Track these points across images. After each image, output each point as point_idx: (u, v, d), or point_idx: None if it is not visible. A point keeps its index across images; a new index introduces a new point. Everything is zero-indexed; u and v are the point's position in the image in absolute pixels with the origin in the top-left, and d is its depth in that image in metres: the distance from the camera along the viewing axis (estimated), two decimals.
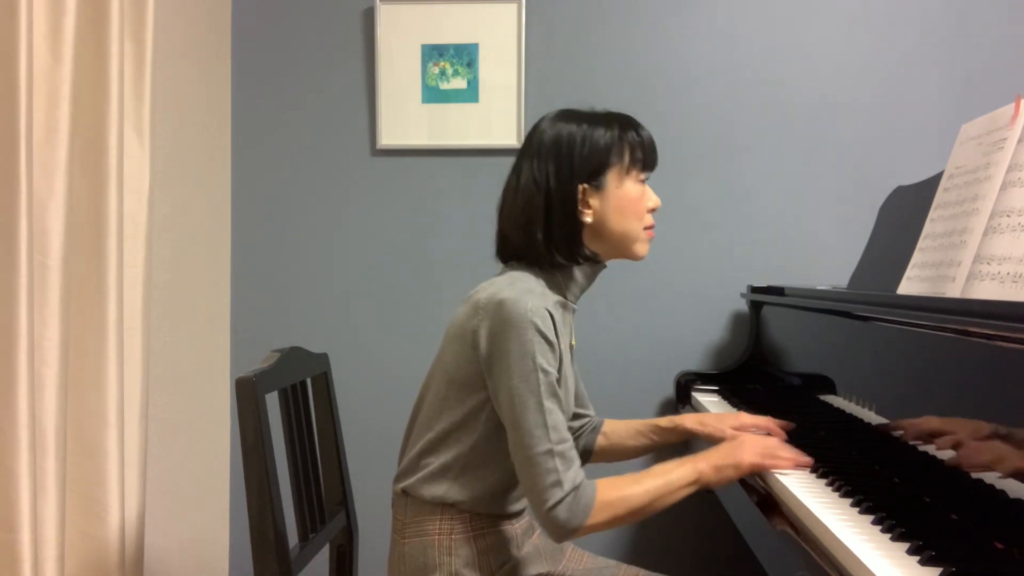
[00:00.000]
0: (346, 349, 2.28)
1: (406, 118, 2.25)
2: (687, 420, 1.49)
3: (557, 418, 1.16)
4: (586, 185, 1.27)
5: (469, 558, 1.25)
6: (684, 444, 1.61)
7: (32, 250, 1.39)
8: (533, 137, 1.31)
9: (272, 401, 1.32)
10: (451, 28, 2.23)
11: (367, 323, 2.30)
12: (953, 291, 1.26)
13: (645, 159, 1.31)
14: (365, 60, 2.28)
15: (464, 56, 2.23)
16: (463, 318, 1.24)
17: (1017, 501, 0.93)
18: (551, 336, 1.18)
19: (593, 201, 1.27)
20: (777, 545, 1.09)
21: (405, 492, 1.29)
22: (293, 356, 1.45)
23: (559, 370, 1.21)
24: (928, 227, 1.45)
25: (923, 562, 0.88)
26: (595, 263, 1.33)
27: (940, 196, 1.46)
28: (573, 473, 1.15)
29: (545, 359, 1.17)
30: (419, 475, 1.27)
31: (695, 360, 2.24)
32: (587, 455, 1.54)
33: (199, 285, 2.15)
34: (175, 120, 2.03)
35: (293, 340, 2.27)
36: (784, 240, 2.22)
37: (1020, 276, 1.12)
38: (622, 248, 1.32)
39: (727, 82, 2.23)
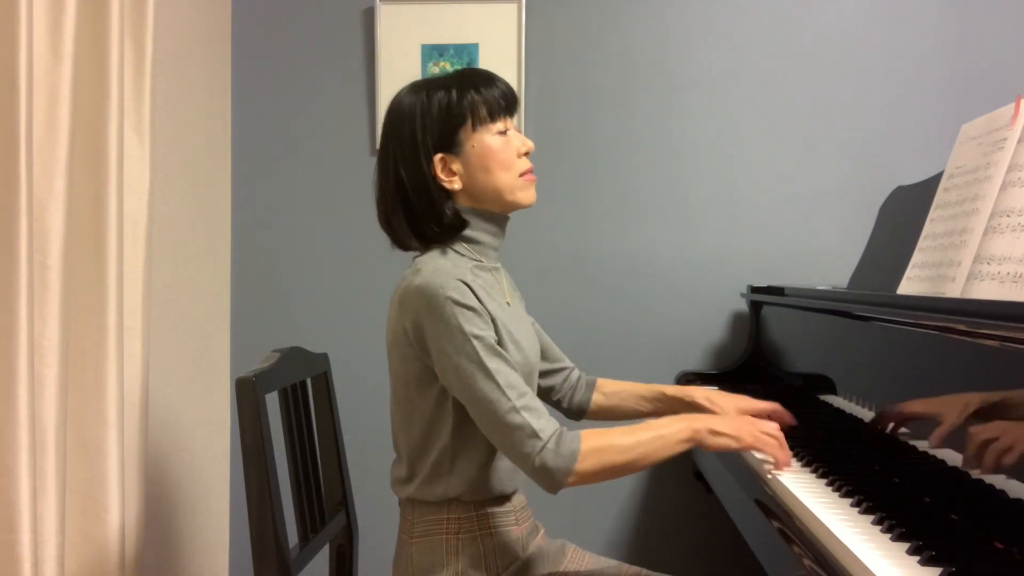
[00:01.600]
0: (346, 349, 2.28)
1: None
2: (696, 393, 1.45)
3: (509, 376, 1.15)
4: (442, 154, 1.25)
5: (475, 558, 1.25)
6: None
7: (32, 250, 1.39)
8: (385, 120, 1.30)
9: (272, 401, 1.32)
10: (451, 28, 2.23)
11: (367, 323, 2.30)
12: (953, 291, 1.26)
13: (492, 110, 1.26)
14: (365, 60, 2.28)
15: (464, 56, 2.23)
16: (392, 321, 1.25)
17: (1017, 501, 0.93)
18: (471, 303, 1.17)
19: (455, 166, 1.26)
20: (777, 545, 1.09)
21: (410, 500, 1.29)
22: (293, 356, 1.45)
23: (497, 331, 1.21)
24: (928, 227, 1.45)
25: (923, 562, 0.88)
26: (486, 218, 1.30)
27: (940, 196, 1.46)
28: (545, 421, 1.14)
29: (474, 325, 1.16)
30: (417, 481, 1.27)
31: (695, 360, 2.24)
32: (582, 411, 1.53)
33: (199, 285, 2.15)
34: (175, 120, 2.03)
35: (293, 340, 2.27)
36: (784, 240, 2.22)
37: (1020, 276, 1.12)
38: (502, 203, 1.29)
39: (727, 82, 2.23)
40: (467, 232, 1.29)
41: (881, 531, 0.99)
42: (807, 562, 0.98)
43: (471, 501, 1.26)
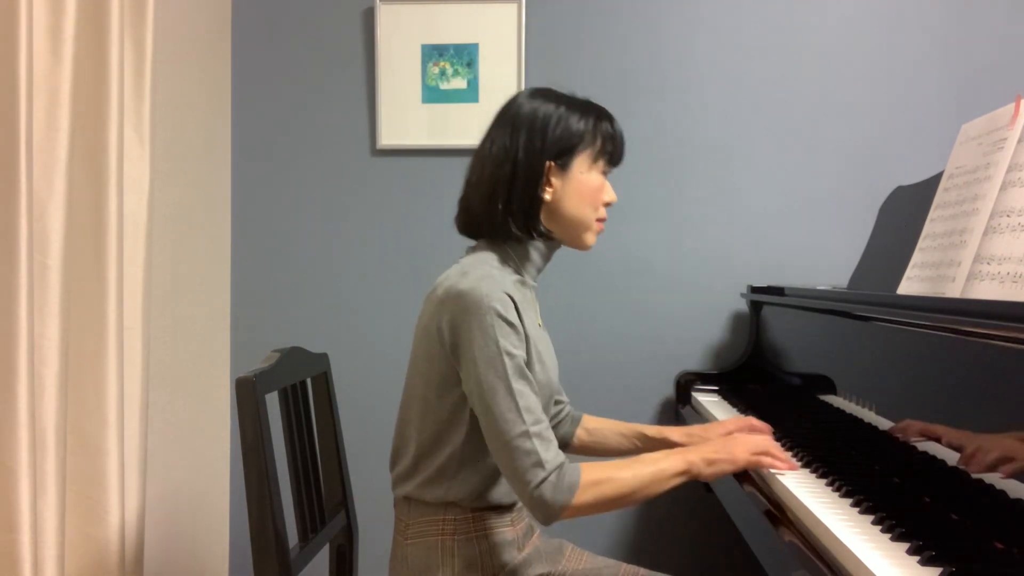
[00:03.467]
0: (346, 349, 2.28)
1: (406, 118, 2.25)
2: (674, 433, 1.48)
3: (529, 400, 1.16)
4: (553, 163, 1.27)
5: (471, 560, 1.25)
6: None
7: (32, 250, 1.39)
8: (510, 108, 1.31)
9: (272, 401, 1.32)
10: (451, 28, 2.23)
11: (367, 323, 2.30)
12: (953, 291, 1.26)
13: (614, 152, 1.32)
14: (365, 60, 2.28)
15: (464, 56, 2.23)
16: (427, 316, 1.25)
17: (1017, 501, 0.93)
18: (513, 319, 1.18)
19: (555, 180, 1.28)
20: (777, 545, 1.09)
21: (407, 498, 1.29)
22: (293, 356, 1.45)
23: (528, 350, 1.21)
24: (928, 227, 1.46)
25: (923, 562, 0.88)
26: (549, 240, 1.33)
27: (940, 196, 1.46)
28: (553, 453, 1.14)
29: (509, 342, 1.16)
30: (418, 480, 1.27)
31: (695, 360, 2.24)
32: (564, 446, 1.53)
33: (199, 285, 2.15)
34: (175, 120, 2.03)
35: (293, 340, 2.27)
36: (784, 240, 2.22)
37: (1020, 276, 1.12)
38: (572, 233, 1.32)
39: (727, 82, 2.23)
40: (528, 244, 1.32)
41: (881, 531, 0.99)
42: (806, 561, 0.98)
43: (470, 507, 1.26)
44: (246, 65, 2.31)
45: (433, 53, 2.24)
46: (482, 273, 1.20)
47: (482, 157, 1.31)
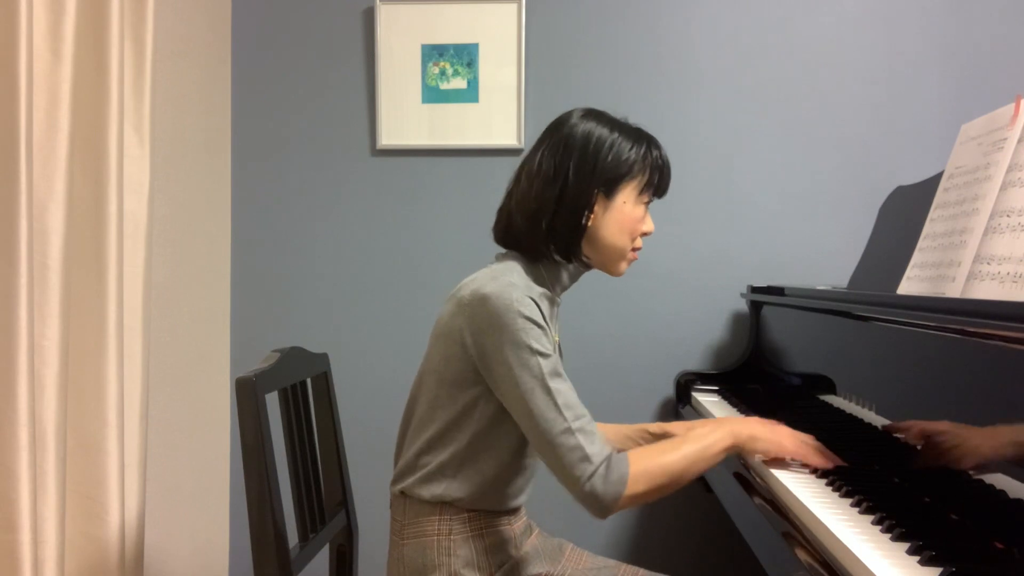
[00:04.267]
0: (346, 349, 2.28)
1: (406, 118, 2.25)
2: (677, 428, 1.48)
3: (568, 396, 1.16)
4: (600, 190, 1.27)
5: (468, 558, 1.25)
6: None
7: (32, 250, 1.39)
8: (562, 127, 1.30)
9: (272, 401, 1.32)
10: (451, 28, 2.23)
11: (367, 323, 2.30)
12: (953, 291, 1.26)
13: (660, 184, 1.32)
14: (365, 60, 2.28)
15: (464, 56, 2.23)
16: (448, 316, 1.25)
17: (1017, 501, 0.93)
18: (540, 321, 1.18)
19: (598, 208, 1.28)
20: (777, 545, 1.09)
21: (404, 493, 1.29)
22: (293, 356, 1.45)
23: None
24: (928, 227, 1.46)
25: (923, 562, 0.88)
26: (584, 265, 1.34)
27: (940, 196, 1.46)
28: (599, 446, 1.14)
29: (540, 343, 1.17)
30: (417, 475, 1.27)
31: (695, 360, 2.24)
32: None
33: (199, 285, 2.15)
34: (175, 120, 2.03)
35: (293, 340, 2.27)
36: (784, 240, 2.22)
37: (1020, 276, 1.12)
38: (607, 260, 1.32)
39: (727, 82, 2.23)
40: (561, 266, 1.32)
41: (881, 531, 0.99)
42: (807, 561, 0.98)
43: (467, 508, 1.26)
44: (246, 65, 2.31)
45: (433, 53, 2.24)
46: (509, 280, 1.21)
47: (530, 173, 1.29)
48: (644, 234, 1.33)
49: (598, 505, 1.13)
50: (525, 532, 1.34)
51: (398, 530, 1.29)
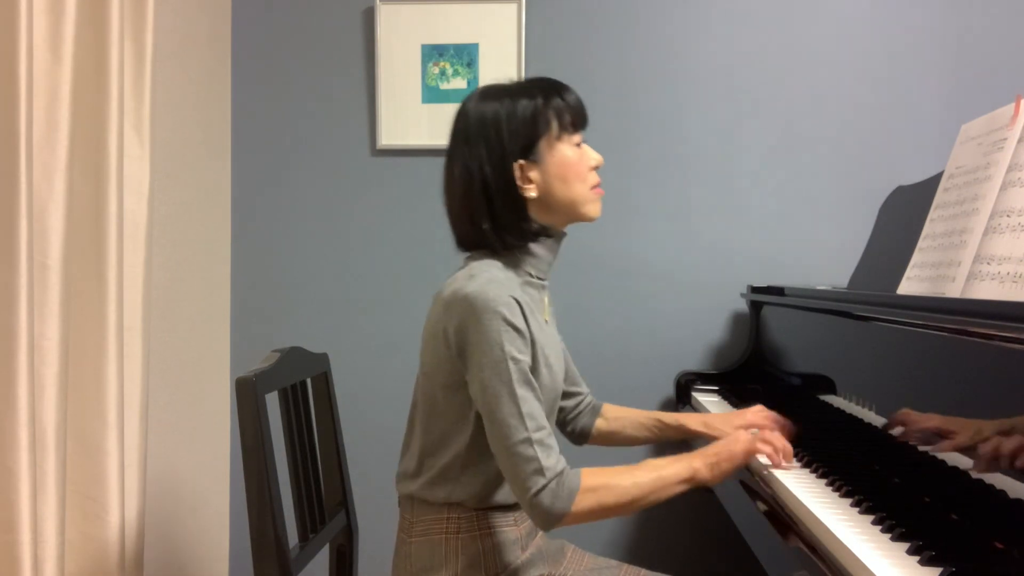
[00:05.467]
0: (346, 349, 2.28)
1: (406, 118, 2.25)
2: (691, 420, 1.49)
3: (532, 406, 1.15)
4: (522, 161, 1.24)
5: (474, 558, 1.25)
6: (683, 442, 1.61)
7: (32, 250, 1.39)
8: (459, 123, 1.28)
9: (272, 401, 1.32)
10: (451, 28, 2.23)
11: (367, 323, 2.30)
12: (953, 291, 1.26)
13: (574, 121, 1.28)
14: (365, 60, 2.28)
15: (464, 56, 2.23)
16: (433, 319, 1.24)
17: (1017, 501, 0.93)
18: (519, 324, 1.17)
19: (533, 175, 1.25)
20: (777, 545, 1.09)
21: (411, 496, 1.29)
22: (293, 356, 1.44)
23: (534, 354, 1.21)
24: (928, 227, 1.46)
25: (923, 562, 0.88)
26: (549, 236, 1.31)
27: (940, 196, 1.46)
28: (554, 460, 1.14)
29: (515, 347, 1.16)
30: (422, 480, 1.27)
31: (695, 360, 2.24)
32: (584, 436, 1.54)
33: (199, 285, 2.15)
34: (175, 120, 2.03)
35: (293, 340, 2.27)
36: (784, 240, 2.22)
37: (1020, 276, 1.12)
38: (573, 214, 1.29)
39: (727, 82, 2.23)
40: (531, 244, 1.30)
41: (881, 531, 0.99)
42: (806, 561, 0.98)
43: (475, 508, 1.26)
44: (246, 65, 2.31)
45: (433, 53, 2.24)
46: (489, 277, 1.20)
47: (451, 182, 1.29)
48: (594, 168, 1.30)
49: (543, 518, 1.13)
50: (530, 533, 1.34)
51: (406, 528, 1.29)
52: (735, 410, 1.53)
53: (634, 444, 1.54)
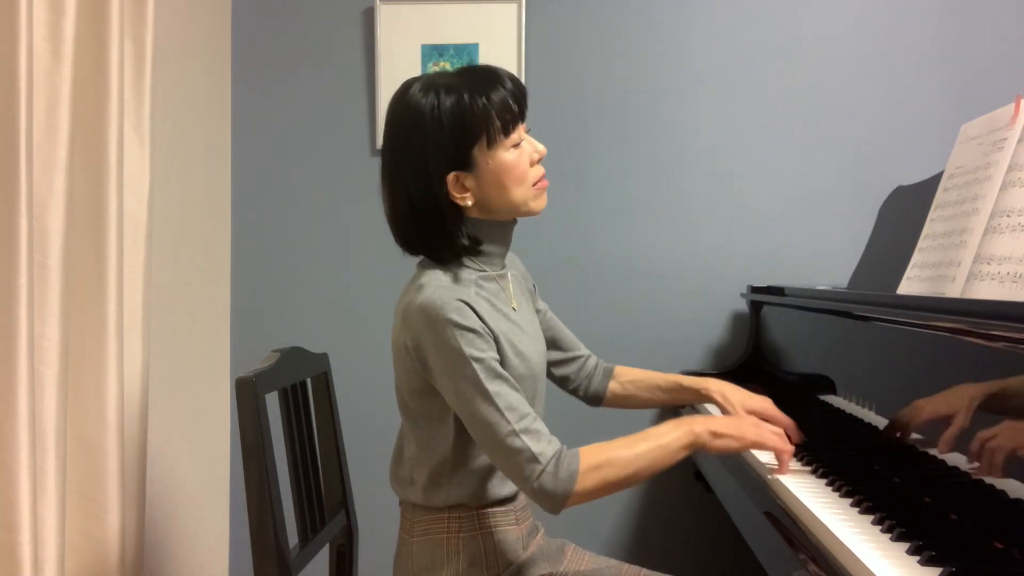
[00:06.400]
0: (346, 349, 2.28)
1: None
2: (711, 386, 1.42)
3: (509, 398, 1.14)
4: (456, 172, 1.19)
5: (475, 558, 1.25)
6: (692, 407, 1.59)
7: (32, 250, 1.39)
8: (387, 132, 1.23)
9: (272, 401, 1.32)
10: (451, 28, 2.23)
11: (367, 323, 2.30)
12: (953, 291, 1.26)
13: (505, 123, 1.19)
14: (365, 60, 2.28)
15: (464, 56, 2.23)
16: (395, 332, 1.23)
17: (1017, 501, 0.93)
18: (473, 324, 1.15)
19: (468, 183, 1.20)
20: (777, 545, 1.09)
21: (411, 502, 1.29)
22: (293, 356, 1.45)
23: (499, 348, 1.19)
24: (928, 227, 1.45)
25: (923, 562, 0.88)
26: (496, 228, 1.26)
27: (940, 196, 1.46)
28: (544, 444, 1.13)
29: (474, 347, 1.14)
30: (417, 488, 1.27)
31: (695, 360, 2.24)
32: (599, 399, 1.52)
33: (199, 285, 2.15)
34: (175, 120, 2.03)
35: (293, 340, 2.27)
36: (784, 240, 2.22)
37: (1020, 276, 1.12)
38: (515, 214, 1.26)
39: (726, 82, 2.23)
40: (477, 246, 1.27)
41: (881, 531, 0.99)
42: (806, 561, 0.98)
43: (475, 506, 1.26)
44: (246, 65, 2.31)
45: (433, 53, 2.24)
46: (437, 283, 1.18)
47: (385, 200, 1.26)
48: (537, 162, 1.25)
49: (549, 501, 1.12)
50: (531, 532, 1.34)
51: (408, 528, 1.30)
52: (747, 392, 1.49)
53: (651, 407, 1.50)
